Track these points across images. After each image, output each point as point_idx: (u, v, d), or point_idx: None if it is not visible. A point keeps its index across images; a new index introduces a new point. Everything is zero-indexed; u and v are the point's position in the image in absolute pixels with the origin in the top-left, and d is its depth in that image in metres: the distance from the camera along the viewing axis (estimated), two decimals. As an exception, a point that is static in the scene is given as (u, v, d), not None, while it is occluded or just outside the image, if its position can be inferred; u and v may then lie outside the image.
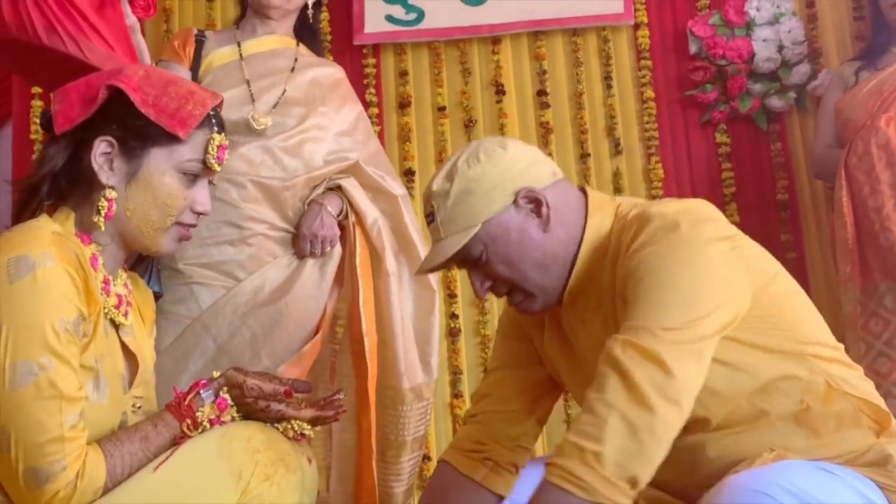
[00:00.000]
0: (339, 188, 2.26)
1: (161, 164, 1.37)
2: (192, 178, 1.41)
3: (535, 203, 1.46)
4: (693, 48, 3.43)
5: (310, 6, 2.41)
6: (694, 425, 1.40)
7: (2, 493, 1.22)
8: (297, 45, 2.40)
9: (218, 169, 1.43)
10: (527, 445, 1.64)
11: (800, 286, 1.52)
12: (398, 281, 2.28)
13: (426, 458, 3.27)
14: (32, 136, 3.40)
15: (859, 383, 1.46)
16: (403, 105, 3.52)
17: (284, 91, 2.27)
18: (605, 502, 1.20)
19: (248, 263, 2.13)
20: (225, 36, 2.38)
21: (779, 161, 3.37)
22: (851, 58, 3.09)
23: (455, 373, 3.38)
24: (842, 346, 1.50)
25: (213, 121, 1.43)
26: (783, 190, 3.35)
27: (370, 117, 3.46)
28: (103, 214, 1.34)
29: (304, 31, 2.44)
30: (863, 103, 2.80)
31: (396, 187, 2.35)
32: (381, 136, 3.48)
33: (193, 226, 1.43)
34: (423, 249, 2.31)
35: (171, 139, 1.37)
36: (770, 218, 3.32)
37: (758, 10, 3.37)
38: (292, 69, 2.31)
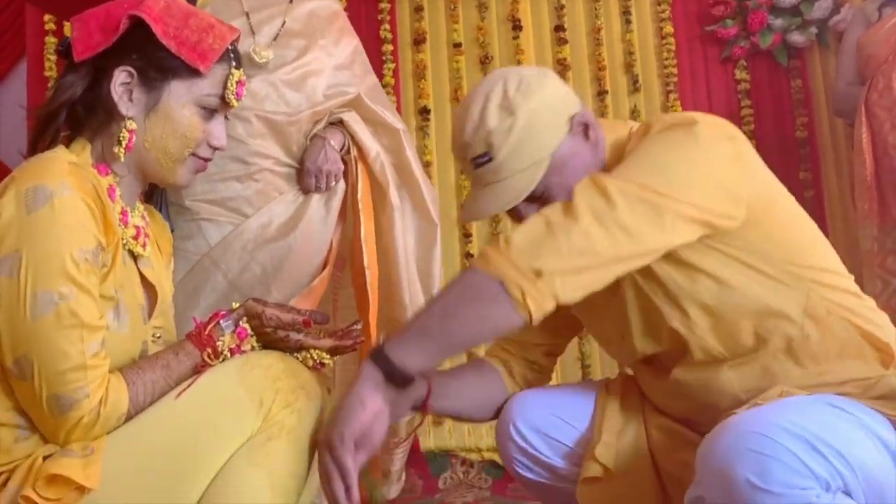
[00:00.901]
0: (340, 122, 2.25)
1: (181, 96, 1.37)
2: (210, 112, 1.41)
3: (585, 126, 1.44)
4: (714, -18, 3.38)
5: None
6: (697, 356, 1.42)
7: (26, 420, 1.24)
8: None
9: (236, 104, 1.43)
10: (541, 371, 1.66)
11: (807, 215, 1.49)
12: (401, 214, 2.28)
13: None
14: (46, 73, 3.40)
15: (867, 314, 1.44)
16: (418, 41, 3.49)
17: (284, 23, 2.24)
18: (504, 280, 1.24)
19: (254, 199, 2.13)
20: None
21: (799, 98, 3.33)
22: (875, -7, 3.03)
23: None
24: (852, 276, 1.48)
25: (232, 55, 1.42)
26: (802, 127, 3.32)
27: (384, 54, 3.44)
28: (124, 145, 1.34)
29: None
30: (885, 39, 2.75)
31: (397, 122, 2.34)
32: (395, 73, 3.46)
33: (209, 159, 1.43)
34: (424, 184, 2.31)
35: (192, 72, 1.37)
36: (789, 155, 3.30)
37: (780, -58, 3.31)
38: (290, 1, 2.28)
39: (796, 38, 3.29)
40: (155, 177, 1.40)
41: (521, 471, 1.59)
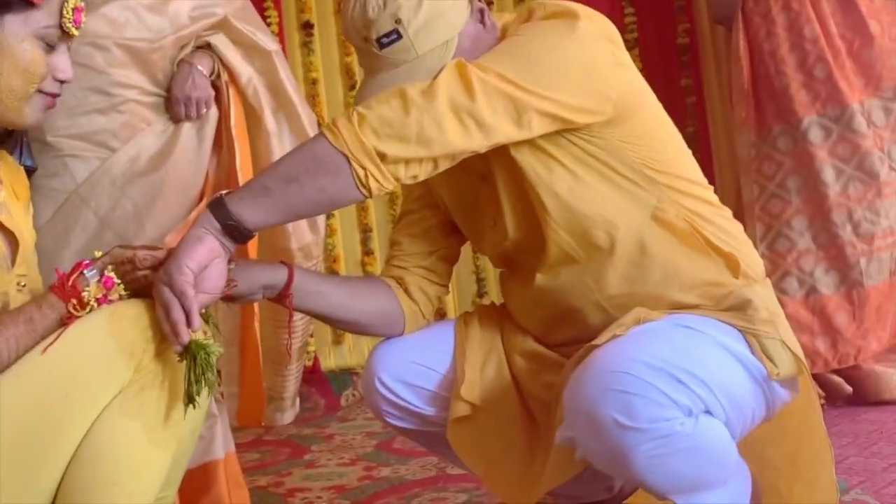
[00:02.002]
0: (208, 46, 2.17)
1: (18, 30, 1.31)
2: (51, 44, 1.35)
3: (481, 13, 1.43)
4: None
5: None
6: (552, 251, 1.45)
7: None
8: None
9: (76, 33, 1.37)
10: (438, 281, 1.65)
11: (672, 124, 1.53)
12: (279, 140, 2.22)
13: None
14: None
15: (718, 221, 1.48)
16: (297, -47, 3.37)
17: None
18: (349, 157, 1.26)
19: (120, 132, 2.05)
20: None
21: (680, 4, 3.37)
22: None
23: (365, 231, 3.40)
24: (711, 187, 1.53)
25: None
26: (684, 34, 3.36)
27: (263, -35, 3.32)
28: None
29: None
30: (761, -55, 2.77)
31: (269, 42, 2.26)
32: (276, -12, 3.35)
33: (57, 95, 1.37)
34: (302, 108, 2.25)
35: (25, 4, 1.30)
36: (671, 63, 3.34)
37: None
38: None
39: (677, -57, 3.30)
40: (1, 119, 1.34)
41: (392, 421, 1.61)
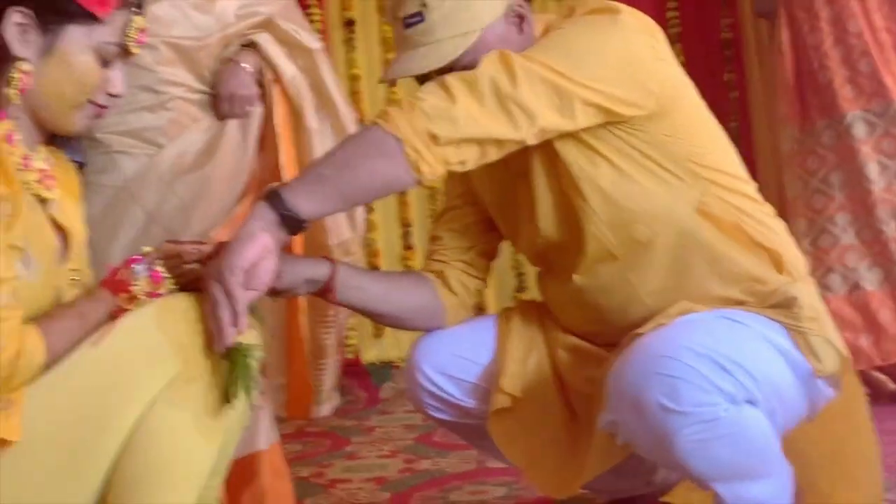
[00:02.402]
0: (253, 45, 2.20)
1: (79, 41, 1.34)
2: (108, 58, 1.38)
3: (520, 18, 1.45)
4: None
5: None
6: (591, 247, 1.46)
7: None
8: None
9: (136, 52, 1.40)
10: (477, 275, 1.67)
11: (714, 119, 1.53)
12: (321, 137, 2.25)
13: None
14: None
15: (761, 217, 1.49)
16: (341, -47, 3.40)
17: None
18: (402, 139, 1.27)
19: (168, 129, 2.09)
20: None
21: (723, -1, 3.33)
22: None
23: (405, 225, 3.42)
24: (754, 182, 1.54)
25: (133, 1, 1.38)
26: (727, 28, 3.33)
27: (306, -35, 3.35)
28: (16, 87, 1.31)
29: None
30: (805, -62, 2.75)
31: (312, 41, 2.28)
32: (319, -15, 3.38)
33: (106, 107, 1.40)
34: (343, 105, 2.27)
35: (90, 18, 1.33)
36: (713, 57, 3.32)
37: None
38: None
39: (720, -63, 3.28)
40: (50, 122, 1.37)
41: (433, 413, 1.63)
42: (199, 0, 2.12)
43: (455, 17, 1.39)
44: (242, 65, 2.13)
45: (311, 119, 2.22)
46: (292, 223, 1.29)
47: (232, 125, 2.15)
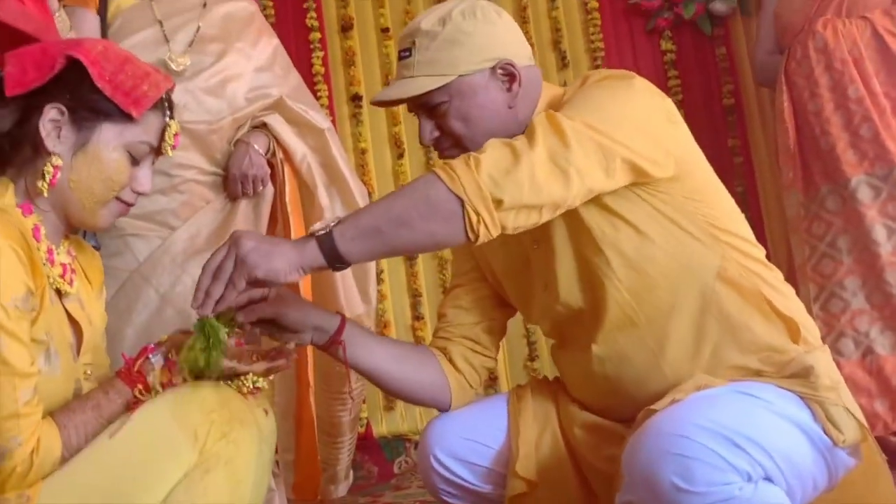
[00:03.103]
0: (263, 125, 2.24)
1: (112, 139, 1.37)
2: (138, 157, 1.41)
3: (510, 77, 1.48)
4: (635, -46, 3.40)
5: None
6: (612, 312, 1.46)
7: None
8: None
9: (171, 155, 1.44)
10: (483, 352, 1.68)
11: (723, 186, 1.55)
12: (332, 213, 2.28)
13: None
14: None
15: (775, 283, 1.50)
16: (346, 28, 3.48)
17: (199, 28, 2.21)
18: (466, 201, 1.28)
19: (181, 211, 2.12)
20: None
21: (724, 66, 3.39)
22: (791, -38, 3.07)
23: (414, 296, 3.42)
24: (763, 249, 1.54)
25: (166, 105, 1.42)
26: (729, 94, 3.38)
27: (312, 42, 3.43)
28: (48, 181, 1.33)
29: None
30: (801, 7, 2.79)
31: (321, 120, 2.33)
32: (324, 61, 3.45)
33: (132, 204, 1.43)
34: (353, 182, 2.32)
35: (124, 117, 1.36)
36: (717, 123, 3.36)
37: (699, -89, 3.34)
38: (204, 4, 2.25)
39: (718, 6, 3.33)
40: (76, 217, 1.39)
41: (449, 499, 1.62)
42: (210, 84, 2.16)
43: (436, 59, 1.47)
44: (254, 146, 2.16)
45: (323, 196, 2.26)
46: (336, 262, 1.31)
47: (244, 205, 2.19)
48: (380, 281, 3.37)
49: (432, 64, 1.46)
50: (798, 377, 1.41)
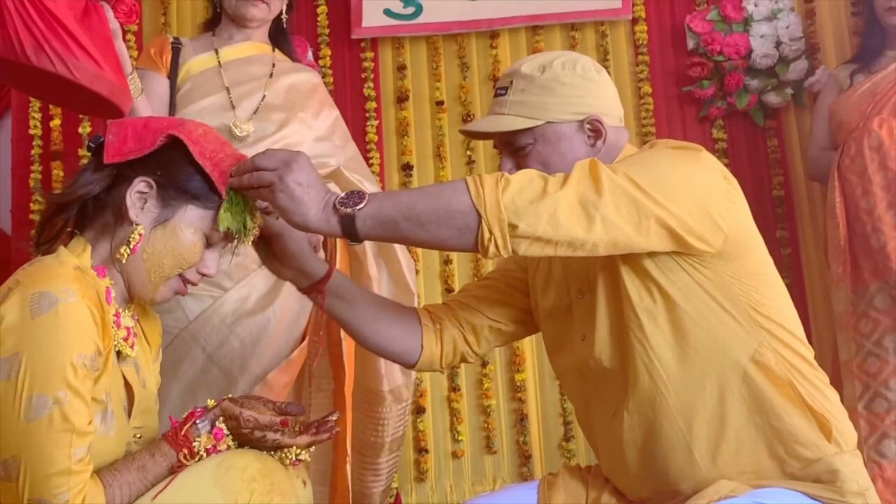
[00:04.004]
0: None
1: (193, 221, 1.40)
2: (211, 243, 1.45)
3: (596, 133, 1.53)
4: (691, 44, 3.43)
5: (283, 12, 2.42)
6: (642, 378, 1.44)
7: (3, 520, 1.26)
8: (273, 50, 2.42)
9: (248, 244, 1.48)
10: (472, 346, 1.69)
11: (780, 279, 1.54)
12: (378, 284, 2.30)
13: (423, 450, 3.32)
14: (31, 131, 3.41)
15: (815, 381, 1.47)
16: (401, 99, 3.53)
17: (264, 97, 2.28)
18: (483, 218, 1.29)
19: (233, 272, 2.15)
20: (201, 43, 2.40)
21: (775, 157, 3.39)
22: (847, 60, 3.09)
23: (452, 367, 3.40)
24: (811, 349, 1.51)
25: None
26: (779, 186, 3.37)
27: (368, 111, 3.49)
28: (131, 247, 1.37)
29: (279, 37, 2.46)
30: (856, 105, 2.81)
31: (377, 191, 2.38)
32: (378, 130, 3.50)
33: (194, 284, 1.46)
34: (402, 253, 2.35)
35: (210, 200, 1.40)
36: (766, 214, 3.34)
37: (756, 5, 3.37)
38: (270, 75, 2.33)
39: (772, 98, 3.35)
40: (137, 288, 1.42)
41: None
42: None
43: (528, 102, 1.52)
44: None
45: (372, 267, 2.29)
46: (350, 235, 1.33)
47: None
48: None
49: (524, 105, 1.52)
50: (823, 482, 1.40)
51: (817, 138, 3.00)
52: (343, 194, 1.33)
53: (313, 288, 1.57)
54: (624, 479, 1.55)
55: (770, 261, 1.53)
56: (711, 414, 1.43)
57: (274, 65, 2.37)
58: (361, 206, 1.31)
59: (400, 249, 2.36)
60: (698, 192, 1.38)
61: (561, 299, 1.60)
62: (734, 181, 1.48)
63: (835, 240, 2.77)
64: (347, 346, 2.26)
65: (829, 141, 2.94)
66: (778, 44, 3.34)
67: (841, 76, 3.00)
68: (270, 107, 2.28)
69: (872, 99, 2.77)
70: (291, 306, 2.21)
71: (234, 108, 2.24)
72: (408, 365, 1.68)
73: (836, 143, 2.87)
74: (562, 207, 1.31)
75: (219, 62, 2.31)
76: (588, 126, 1.52)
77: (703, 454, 1.42)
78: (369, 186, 2.35)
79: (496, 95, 1.56)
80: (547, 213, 1.30)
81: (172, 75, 2.27)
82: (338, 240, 2.28)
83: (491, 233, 1.29)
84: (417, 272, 3.37)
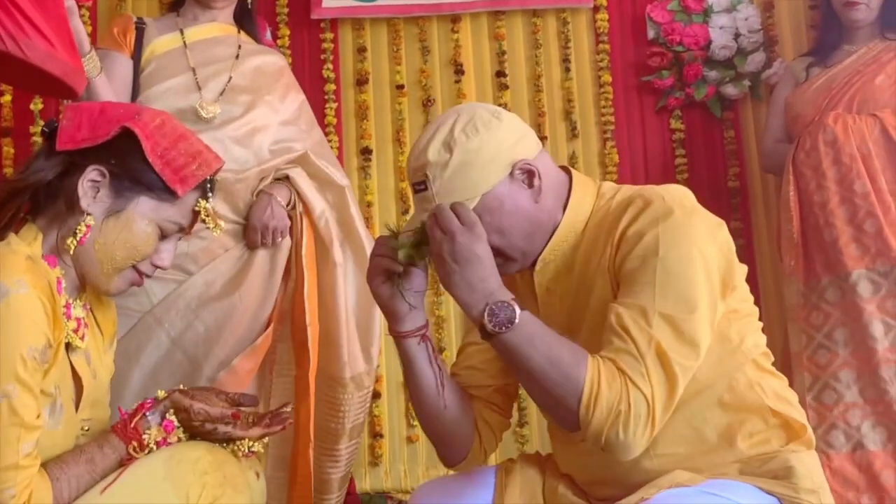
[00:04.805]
0: (286, 178, 2.26)
1: (147, 212, 1.38)
2: (165, 234, 1.42)
3: (528, 174, 1.47)
4: (651, 33, 3.45)
5: None
6: None
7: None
8: (238, 32, 2.39)
9: (217, 233, 1.49)
10: (499, 411, 1.65)
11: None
12: (343, 271, 2.30)
13: (378, 435, 3.32)
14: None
15: (781, 391, 1.51)
16: (361, 82, 3.50)
17: (230, 79, 2.27)
18: (589, 412, 1.30)
19: (199, 256, 2.13)
20: (166, 23, 2.37)
21: (731, 148, 3.42)
22: (804, 53, 3.13)
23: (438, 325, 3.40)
24: (770, 353, 1.55)
25: (208, 185, 1.44)
26: (734, 177, 3.41)
27: (327, 94, 3.46)
28: (78, 238, 1.34)
29: (244, 18, 2.44)
30: (812, 99, 2.84)
31: (341, 178, 2.37)
32: (337, 112, 3.47)
33: (148, 276, 1.43)
34: (367, 240, 2.35)
35: (166, 193, 1.38)
36: (721, 205, 3.37)
37: (716, -4, 3.39)
38: (236, 56, 2.30)
39: (730, 90, 3.38)
40: (89, 278, 1.40)
41: None
42: (239, 134, 2.20)
43: (454, 186, 1.44)
44: (276, 198, 2.19)
45: (337, 253, 2.29)
46: (484, 337, 1.34)
47: (261, 255, 2.21)
48: (437, 305, 3.33)
49: (452, 192, 1.44)
50: (778, 478, 1.43)
51: (772, 130, 3.03)
52: (498, 304, 1.34)
53: (418, 332, 1.52)
54: (582, 476, 1.57)
55: (745, 285, 1.56)
56: (680, 434, 1.46)
57: (240, 46, 2.35)
58: (511, 329, 1.33)
59: (365, 236, 2.35)
60: (715, 278, 1.41)
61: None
62: (721, 223, 1.52)
63: (788, 232, 2.80)
64: (312, 332, 2.25)
65: (784, 133, 2.97)
66: (736, 35, 3.37)
67: (797, 69, 3.03)
68: (237, 89, 2.26)
69: (828, 93, 2.81)
70: (257, 292, 2.20)
71: (200, 89, 2.22)
72: (458, 459, 1.61)
73: (791, 135, 2.90)
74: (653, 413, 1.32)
75: (184, 43, 2.29)
76: (518, 172, 1.47)
77: (665, 455, 1.46)
78: (336, 173, 2.35)
79: (416, 192, 1.48)
80: (641, 425, 1.31)
81: (136, 56, 2.24)
82: (305, 225, 2.27)
83: (588, 425, 1.31)
84: (439, 306, 3.34)
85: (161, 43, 2.28)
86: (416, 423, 3.35)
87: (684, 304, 1.37)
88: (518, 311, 1.33)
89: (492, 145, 1.45)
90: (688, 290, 1.37)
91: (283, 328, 2.35)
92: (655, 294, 1.38)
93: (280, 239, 2.22)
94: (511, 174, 1.46)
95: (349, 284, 2.34)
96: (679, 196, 1.49)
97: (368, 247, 2.33)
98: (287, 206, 2.24)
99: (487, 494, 1.61)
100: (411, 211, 3.46)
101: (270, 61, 2.39)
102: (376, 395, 3.34)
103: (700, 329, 1.37)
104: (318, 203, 2.29)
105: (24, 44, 1.71)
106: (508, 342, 1.33)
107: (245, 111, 2.24)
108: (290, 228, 2.26)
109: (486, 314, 1.34)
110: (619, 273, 1.43)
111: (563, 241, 1.52)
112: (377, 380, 3.36)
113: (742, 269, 1.54)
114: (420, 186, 1.47)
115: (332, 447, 2.31)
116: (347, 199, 2.34)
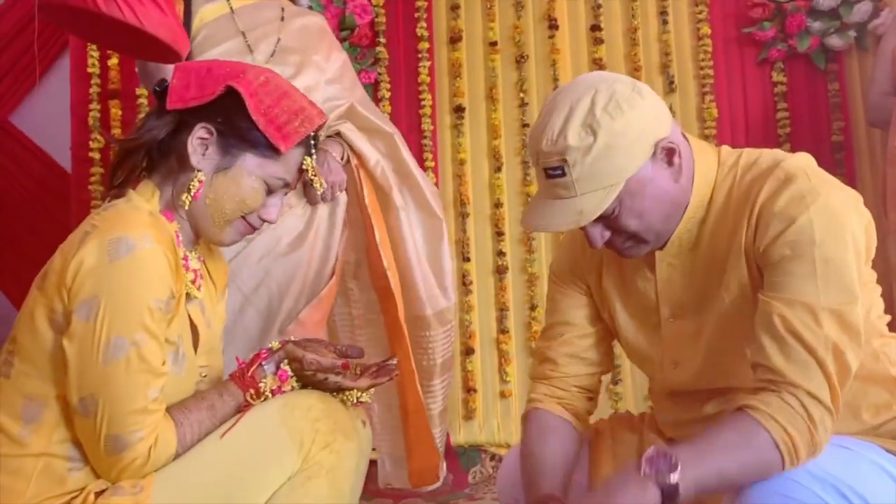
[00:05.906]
0: (337, 134, 2.33)
1: (253, 169, 1.42)
2: (272, 189, 1.46)
3: (669, 153, 1.39)
4: (752, -17, 3.36)
5: None
6: (734, 390, 1.44)
7: (80, 453, 1.31)
8: None
9: (320, 190, 1.47)
10: (594, 397, 1.65)
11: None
12: (406, 214, 2.39)
13: (472, 390, 3.37)
14: (89, 70, 3.45)
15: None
16: (454, 40, 3.51)
17: (279, 40, 2.33)
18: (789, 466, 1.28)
19: None
20: None
21: (835, 102, 3.32)
22: (914, 2, 3.01)
23: (501, 309, 3.44)
24: (885, 315, 1.52)
25: (312, 142, 1.47)
26: (839, 132, 3.31)
27: (420, 52, 3.47)
28: (192, 194, 1.40)
29: None
30: (922, 48, 2.74)
31: (389, 127, 2.44)
32: (431, 70, 3.49)
33: (257, 228, 1.48)
34: (424, 182, 2.43)
35: (270, 150, 1.42)
36: (824, 160, 3.22)
37: (820, -56, 3.27)
38: (282, 18, 2.37)
39: (834, 41, 3.27)
40: (203, 231, 1.45)
41: None
42: None
43: (598, 172, 1.34)
44: (332, 153, 2.27)
45: (398, 198, 2.38)
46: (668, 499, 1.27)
47: (322, 210, 2.30)
48: (468, 292, 3.41)
49: (595, 178, 1.34)
50: None
51: (879, 83, 2.93)
52: (647, 459, 1.26)
53: None
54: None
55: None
56: None
57: (283, 9, 2.41)
58: (677, 475, 1.25)
59: (421, 178, 2.42)
60: (857, 263, 1.33)
61: (648, 316, 1.53)
62: (862, 203, 1.40)
63: (893, 188, 2.72)
64: (394, 277, 2.33)
65: (892, 86, 2.87)
66: (842, -16, 3.25)
67: (906, 18, 2.92)
68: (286, 49, 2.33)
69: (939, 42, 2.70)
70: (321, 246, 2.29)
71: (251, 51, 2.28)
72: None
73: (898, 87, 2.81)
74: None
75: (231, 8, 2.35)
76: (661, 153, 1.38)
77: None
78: (383, 123, 2.42)
79: (549, 177, 1.36)
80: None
81: (186, 25, 2.30)
82: (363, 176, 2.33)
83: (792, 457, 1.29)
84: (468, 215, 3.41)
85: (208, 10, 2.34)
86: (509, 378, 3.39)
87: (846, 294, 1.32)
88: (671, 477, 1.25)
89: (636, 125, 1.35)
90: (846, 279, 1.32)
91: (360, 279, 2.44)
92: (819, 288, 1.32)
93: (339, 193, 2.30)
94: (654, 155, 1.38)
95: (414, 226, 2.42)
96: (818, 170, 1.41)
97: (426, 187, 2.41)
98: (341, 160, 2.31)
99: (583, 459, 1.61)
100: (504, 169, 3.47)
101: (313, 21, 2.47)
102: (469, 352, 3.39)
103: (860, 316, 1.33)
104: (372, 153, 2.36)
105: (140, 12, 1.78)
106: (691, 481, 1.26)
107: (296, 72, 2.30)
108: (346, 182, 2.33)
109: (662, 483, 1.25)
110: (765, 258, 1.35)
111: (692, 217, 1.44)
112: (470, 336, 3.42)
113: (874, 241, 1.45)
114: (556, 171, 1.36)
115: (427, 384, 2.43)
116: (398, 144, 2.42)
